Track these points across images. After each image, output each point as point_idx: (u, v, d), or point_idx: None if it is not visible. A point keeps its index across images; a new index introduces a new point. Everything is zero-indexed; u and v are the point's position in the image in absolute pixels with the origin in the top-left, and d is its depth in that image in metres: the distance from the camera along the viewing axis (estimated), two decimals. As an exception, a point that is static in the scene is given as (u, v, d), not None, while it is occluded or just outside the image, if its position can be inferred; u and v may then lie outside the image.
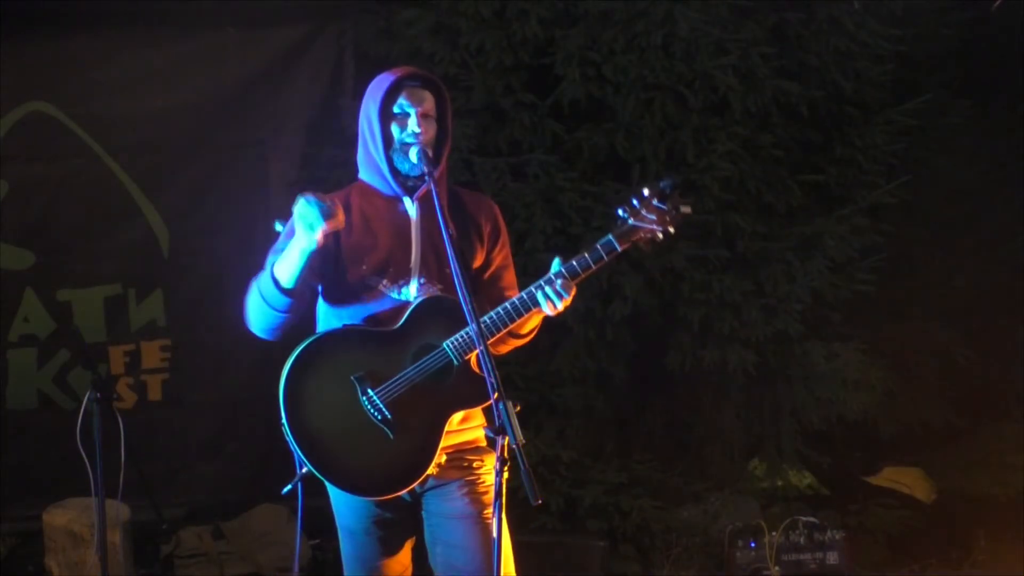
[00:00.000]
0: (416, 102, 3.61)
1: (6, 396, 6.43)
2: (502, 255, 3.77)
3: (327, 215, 3.38)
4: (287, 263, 3.46)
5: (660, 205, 3.51)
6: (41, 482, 6.19)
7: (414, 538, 3.72)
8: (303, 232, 3.40)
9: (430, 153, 3.57)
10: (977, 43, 6.90)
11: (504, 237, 3.79)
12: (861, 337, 6.40)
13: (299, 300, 3.50)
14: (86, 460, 4.78)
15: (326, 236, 3.41)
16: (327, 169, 6.18)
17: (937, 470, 6.91)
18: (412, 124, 3.59)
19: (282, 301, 3.48)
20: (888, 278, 6.46)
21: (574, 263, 3.52)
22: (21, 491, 6.24)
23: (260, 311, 3.53)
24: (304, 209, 3.38)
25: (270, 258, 3.59)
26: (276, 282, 3.47)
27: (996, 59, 6.92)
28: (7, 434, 6.35)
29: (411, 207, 3.64)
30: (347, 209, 3.63)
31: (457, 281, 3.36)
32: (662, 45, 6.06)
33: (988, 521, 6.32)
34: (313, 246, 3.41)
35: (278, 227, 3.43)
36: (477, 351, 3.46)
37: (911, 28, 6.51)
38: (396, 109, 3.61)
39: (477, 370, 3.52)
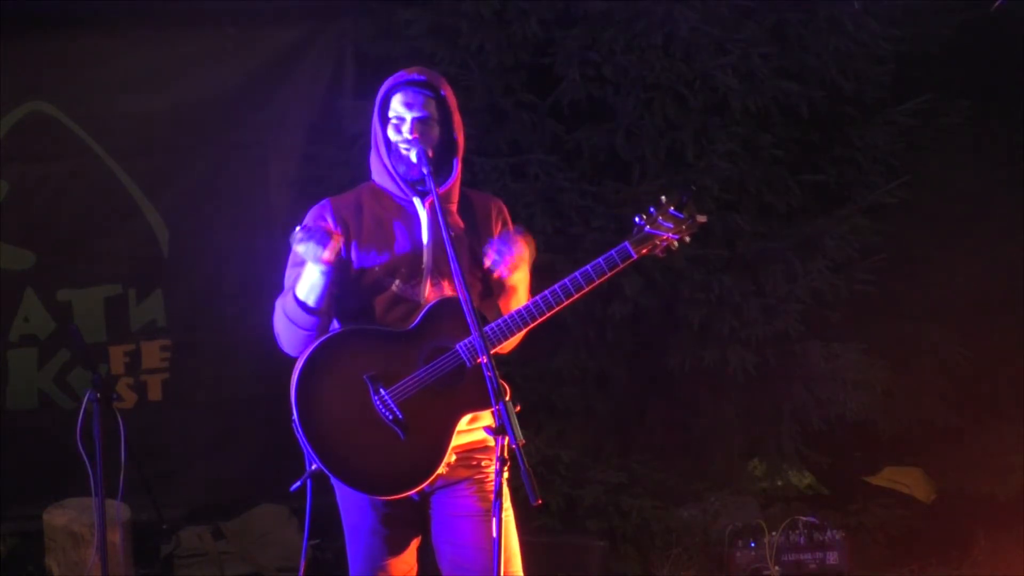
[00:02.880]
0: (411, 107, 3.61)
1: (6, 396, 6.44)
2: None
3: (324, 243, 3.41)
4: (310, 286, 3.48)
5: (677, 213, 3.54)
6: (41, 482, 6.19)
7: (420, 537, 3.72)
8: (312, 262, 3.43)
9: (430, 154, 3.56)
10: (977, 43, 6.89)
11: None
12: (861, 337, 6.39)
13: (327, 317, 3.53)
14: (86, 460, 4.77)
15: (335, 253, 3.44)
16: (327, 169, 6.19)
17: (937, 470, 6.90)
18: (405, 130, 3.59)
19: (311, 321, 3.50)
20: (888, 278, 6.46)
21: (589, 269, 3.53)
22: (21, 491, 6.24)
23: (289, 332, 3.54)
24: (303, 247, 3.42)
25: (289, 273, 3.61)
26: (302, 304, 3.49)
27: (996, 59, 6.91)
28: (7, 434, 6.35)
29: (421, 209, 3.64)
30: (358, 210, 3.65)
31: (459, 284, 3.36)
32: (662, 45, 6.06)
33: (987, 521, 6.32)
34: (327, 268, 3.44)
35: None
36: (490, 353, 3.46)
37: (911, 28, 6.51)
38: (391, 114, 3.63)
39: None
